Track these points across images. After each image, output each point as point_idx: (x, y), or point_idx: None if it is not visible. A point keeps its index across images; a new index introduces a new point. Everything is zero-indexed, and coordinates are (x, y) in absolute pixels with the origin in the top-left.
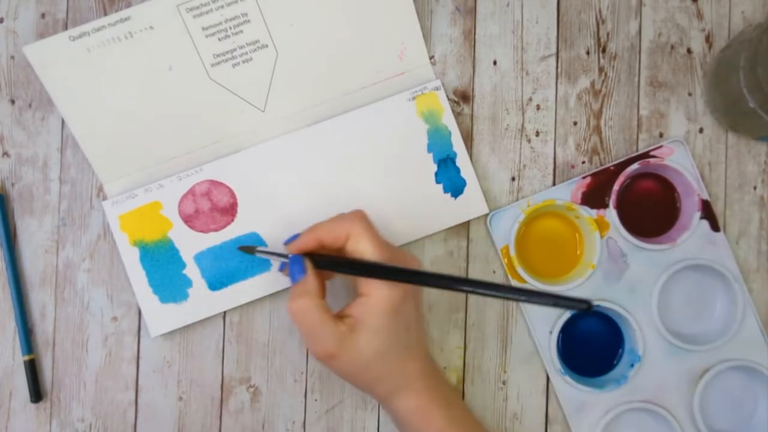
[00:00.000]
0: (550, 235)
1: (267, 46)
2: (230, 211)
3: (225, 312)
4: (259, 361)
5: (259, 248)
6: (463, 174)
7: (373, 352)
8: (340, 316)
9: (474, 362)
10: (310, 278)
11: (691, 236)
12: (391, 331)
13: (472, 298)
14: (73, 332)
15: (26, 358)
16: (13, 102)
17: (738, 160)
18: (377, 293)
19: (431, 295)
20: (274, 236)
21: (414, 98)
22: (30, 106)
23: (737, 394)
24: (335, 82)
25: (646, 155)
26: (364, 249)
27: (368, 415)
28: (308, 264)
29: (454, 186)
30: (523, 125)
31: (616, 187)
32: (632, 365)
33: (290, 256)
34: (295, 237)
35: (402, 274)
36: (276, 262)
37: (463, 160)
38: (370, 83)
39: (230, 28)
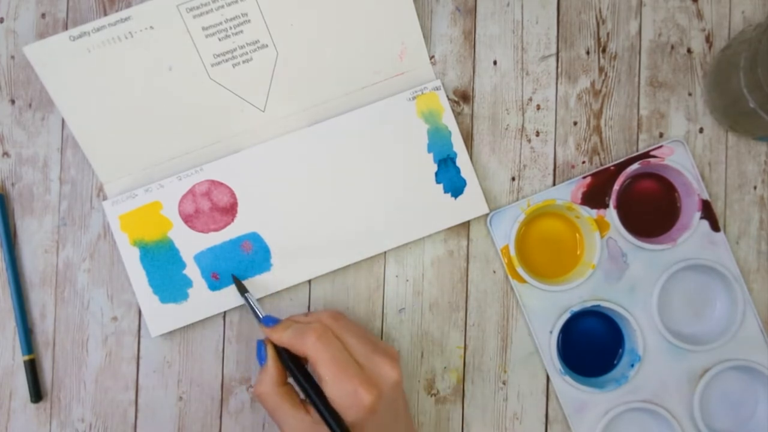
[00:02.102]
0: (550, 235)
1: (267, 46)
2: (230, 211)
3: (225, 312)
4: None
5: (248, 295)
6: (463, 174)
7: None
8: (305, 403)
9: (474, 362)
10: (271, 367)
11: (691, 236)
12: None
13: (472, 297)
14: (73, 332)
15: (26, 358)
16: (13, 102)
17: (738, 160)
18: (339, 402)
19: (432, 294)
20: (274, 236)
21: (414, 98)
22: (30, 106)
23: (737, 394)
24: (335, 82)
25: (646, 155)
26: (321, 374)
27: None
28: (271, 352)
29: (454, 186)
30: (523, 125)
31: (616, 187)
32: (632, 365)
33: (257, 340)
34: (273, 321)
35: (334, 425)
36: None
37: (463, 160)
38: (370, 83)
39: (230, 28)
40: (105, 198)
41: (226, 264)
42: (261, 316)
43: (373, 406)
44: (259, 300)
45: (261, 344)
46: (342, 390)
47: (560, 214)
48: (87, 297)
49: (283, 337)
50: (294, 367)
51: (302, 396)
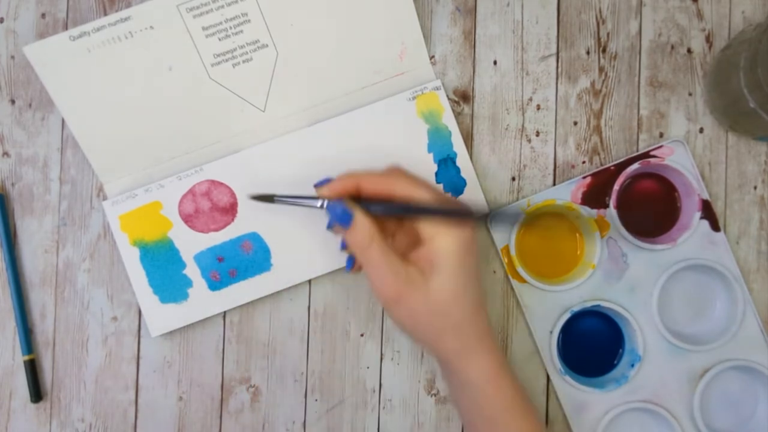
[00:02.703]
0: (550, 235)
1: (267, 46)
2: (230, 211)
3: (225, 312)
4: (259, 361)
5: (279, 195)
6: (463, 174)
7: (450, 295)
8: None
9: None
10: (361, 216)
11: (692, 236)
12: (465, 273)
13: None
14: (73, 332)
15: (26, 358)
16: (13, 102)
17: (738, 160)
18: (447, 233)
19: None
20: (274, 236)
21: (414, 98)
22: (30, 106)
23: (737, 394)
24: (335, 82)
25: (646, 155)
26: (419, 195)
27: (368, 414)
28: (353, 205)
29: (455, 186)
30: (523, 125)
31: (616, 187)
32: (632, 365)
33: (326, 205)
34: (326, 180)
35: (468, 213)
36: (315, 214)
37: (463, 160)
38: (370, 83)
39: (230, 28)
40: (105, 198)
41: (226, 264)
42: (316, 182)
43: (473, 236)
44: (259, 300)
45: (336, 204)
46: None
47: (560, 214)
48: (87, 297)
49: (363, 171)
50: (392, 204)
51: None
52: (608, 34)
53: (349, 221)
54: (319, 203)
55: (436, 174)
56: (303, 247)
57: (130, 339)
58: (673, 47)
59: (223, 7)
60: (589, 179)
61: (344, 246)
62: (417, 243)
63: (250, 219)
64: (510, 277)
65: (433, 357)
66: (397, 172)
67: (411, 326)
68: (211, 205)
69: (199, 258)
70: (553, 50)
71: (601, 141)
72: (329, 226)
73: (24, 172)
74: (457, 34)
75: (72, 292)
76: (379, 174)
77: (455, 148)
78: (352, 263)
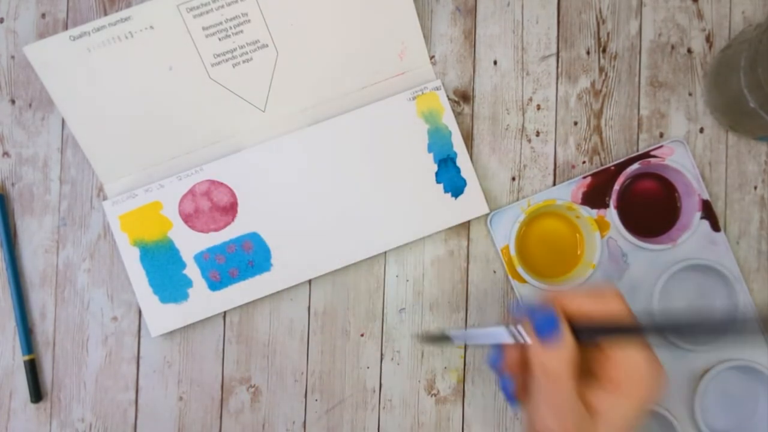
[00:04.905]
0: (550, 235)
1: (267, 46)
2: (230, 211)
3: (225, 312)
4: (259, 361)
5: (454, 335)
6: (463, 174)
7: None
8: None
9: (474, 362)
10: (569, 341)
11: (692, 236)
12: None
13: (472, 297)
14: (73, 332)
15: (26, 358)
16: (13, 102)
17: (738, 160)
18: (631, 383)
19: (432, 294)
20: (274, 236)
21: (414, 98)
22: (30, 106)
23: (737, 394)
24: (335, 82)
25: (646, 155)
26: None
27: (368, 415)
28: (564, 324)
29: (455, 186)
30: (523, 125)
31: (616, 186)
32: None
33: (541, 313)
34: (522, 307)
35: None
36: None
37: (463, 160)
38: (370, 83)
39: (230, 28)
40: (105, 198)
41: (226, 264)
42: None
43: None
44: (259, 300)
45: (548, 314)
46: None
47: (560, 214)
48: (87, 297)
49: (578, 295)
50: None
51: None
52: (608, 34)
53: (555, 334)
54: (505, 331)
55: (436, 174)
56: (303, 247)
57: (130, 339)
58: (673, 47)
59: (223, 7)
60: (589, 179)
61: (496, 362)
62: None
63: (250, 219)
64: (510, 277)
65: None
66: (612, 293)
67: None
68: (211, 205)
69: (199, 258)
70: (553, 50)
71: (602, 141)
72: (492, 363)
73: (24, 172)
74: (457, 34)
75: (72, 292)
76: (590, 295)
77: (455, 148)
78: (512, 392)
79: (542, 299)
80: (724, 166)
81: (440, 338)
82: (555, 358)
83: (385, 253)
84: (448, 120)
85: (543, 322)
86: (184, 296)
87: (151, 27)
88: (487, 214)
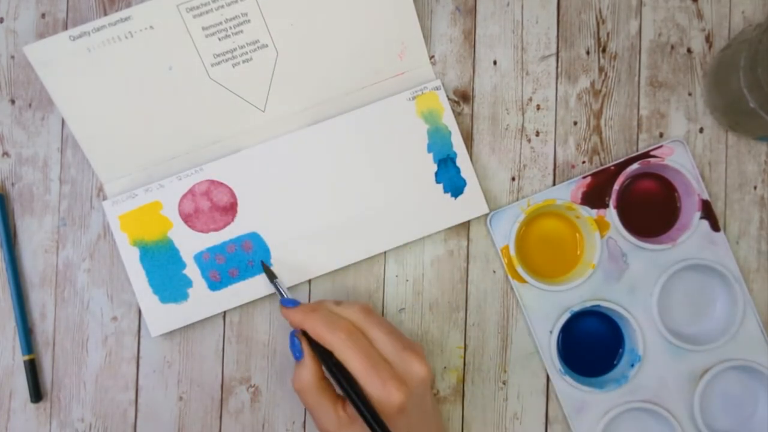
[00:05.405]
0: (550, 235)
1: (267, 46)
2: (230, 211)
3: (225, 312)
4: (259, 361)
5: (277, 281)
6: (463, 174)
7: None
8: (342, 399)
9: (474, 362)
10: (309, 362)
11: (691, 236)
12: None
13: (472, 297)
14: (73, 332)
15: (26, 358)
16: (13, 102)
17: (738, 160)
18: (369, 399)
19: (432, 294)
20: (274, 236)
21: (414, 98)
22: (30, 106)
23: (737, 394)
24: (335, 82)
25: (646, 155)
26: (351, 369)
27: None
28: (306, 348)
29: (454, 186)
30: (523, 125)
31: (616, 186)
32: (632, 365)
33: (290, 332)
34: (294, 304)
35: (372, 422)
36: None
37: (463, 160)
38: (370, 83)
39: (230, 27)
40: (105, 198)
41: (226, 264)
42: (283, 300)
43: (403, 403)
44: (259, 300)
45: (292, 339)
46: (372, 387)
47: (560, 214)
48: (87, 297)
49: (316, 325)
50: (331, 363)
51: (338, 391)
52: (608, 34)
53: (299, 356)
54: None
55: (436, 174)
56: (303, 247)
57: (130, 339)
58: (673, 47)
59: (223, 7)
60: (589, 179)
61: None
62: None
63: (250, 219)
64: (510, 277)
65: None
66: (337, 338)
67: None
68: (211, 205)
69: (199, 258)
70: (553, 50)
71: (601, 141)
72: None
73: (24, 172)
74: (457, 34)
75: (72, 292)
76: (325, 330)
77: (455, 148)
78: (300, 353)
79: (292, 321)
80: (723, 166)
81: (269, 274)
82: (298, 375)
83: (385, 253)
84: (448, 120)
85: (292, 346)
86: (184, 296)
87: (151, 27)
88: (487, 214)
